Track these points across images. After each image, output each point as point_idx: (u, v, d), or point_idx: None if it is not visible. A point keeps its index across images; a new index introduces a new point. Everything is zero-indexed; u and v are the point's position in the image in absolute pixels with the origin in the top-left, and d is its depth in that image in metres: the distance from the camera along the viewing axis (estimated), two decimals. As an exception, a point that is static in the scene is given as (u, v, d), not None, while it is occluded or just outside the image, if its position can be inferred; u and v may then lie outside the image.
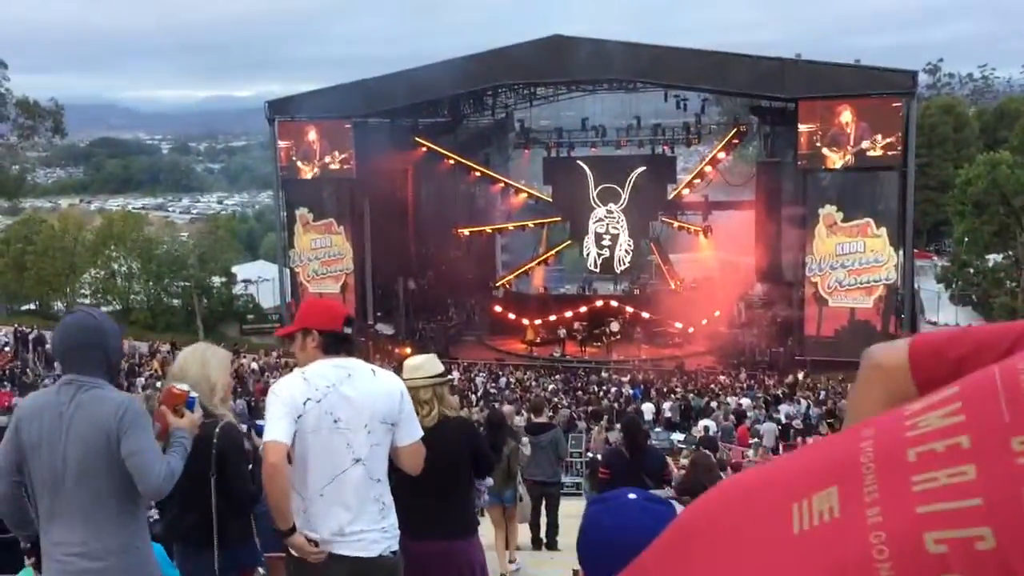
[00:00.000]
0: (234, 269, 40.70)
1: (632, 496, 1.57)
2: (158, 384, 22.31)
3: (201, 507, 3.58)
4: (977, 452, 0.75)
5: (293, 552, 3.19)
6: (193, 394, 3.23)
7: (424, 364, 4.14)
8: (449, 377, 4.17)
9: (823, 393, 25.46)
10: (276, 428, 3.13)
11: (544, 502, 9.33)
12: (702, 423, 19.52)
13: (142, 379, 23.53)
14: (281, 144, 35.30)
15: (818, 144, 29.84)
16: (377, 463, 3.28)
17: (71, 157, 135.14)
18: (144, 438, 2.92)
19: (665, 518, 1.54)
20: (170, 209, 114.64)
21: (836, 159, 29.74)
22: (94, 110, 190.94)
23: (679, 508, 4.81)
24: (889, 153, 29.30)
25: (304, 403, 3.16)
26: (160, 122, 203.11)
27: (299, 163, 35.11)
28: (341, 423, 3.19)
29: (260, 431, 3.56)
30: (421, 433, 3.44)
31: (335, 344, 3.37)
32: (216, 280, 38.82)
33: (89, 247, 40.41)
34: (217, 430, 3.58)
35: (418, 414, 3.63)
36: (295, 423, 3.15)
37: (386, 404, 3.29)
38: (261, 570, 3.86)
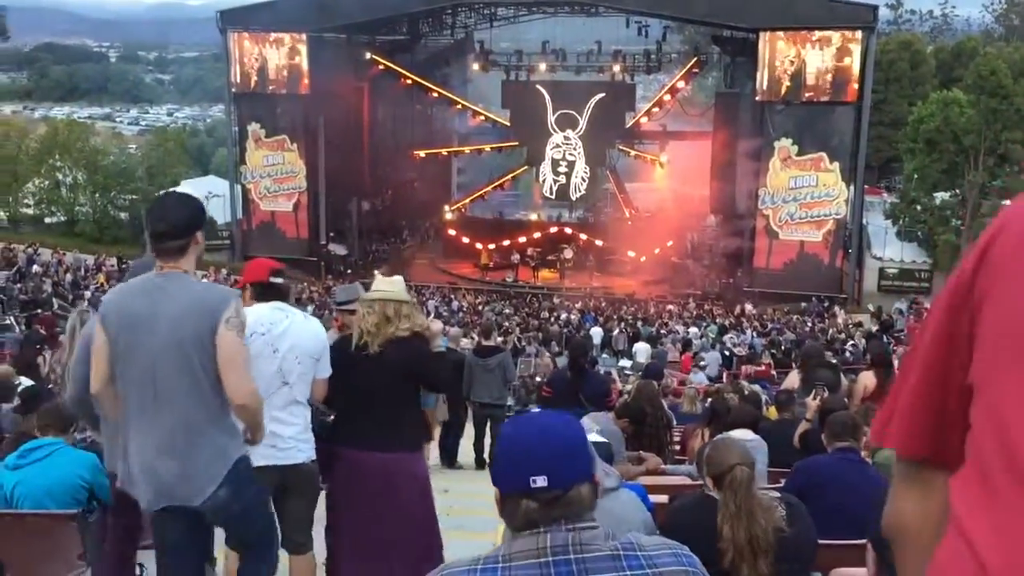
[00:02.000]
0: (184, 184, 39.88)
1: (535, 410, 1.64)
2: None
3: None
4: None
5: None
6: None
7: (395, 283, 4.35)
8: (413, 302, 4.39)
9: (768, 324, 25.94)
10: None
11: (489, 423, 9.49)
12: (637, 347, 19.94)
13: (88, 292, 23.15)
14: (234, 56, 34.37)
15: (777, 76, 29.83)
16: (302, 387, 3.93)
17: (14, 62, 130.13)
18: None
19: (564, 430, 1.61)
20: (118, 120, 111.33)
21: (794, 92, 29.79)
22: (38, 13, 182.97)
23: (608, 429, 4.88)
24: (846, 87, 29.43)
25: (250, 335, 3.61)
26: (108, 29, 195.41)
27: (252, 77, 34.26)
28: (278, 353, 3.87)
29: None
30: (330, 371, 4.02)
31: (263, 291, 4.04)
32: (165, 194, 38.11)
33: (33, 156, 39.28)
34: None
35: (381, 326, 4.06)
36: None
37: (314, 343, 3.97)
38: None
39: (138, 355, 3.03)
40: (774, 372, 17.14)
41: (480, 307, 29.23)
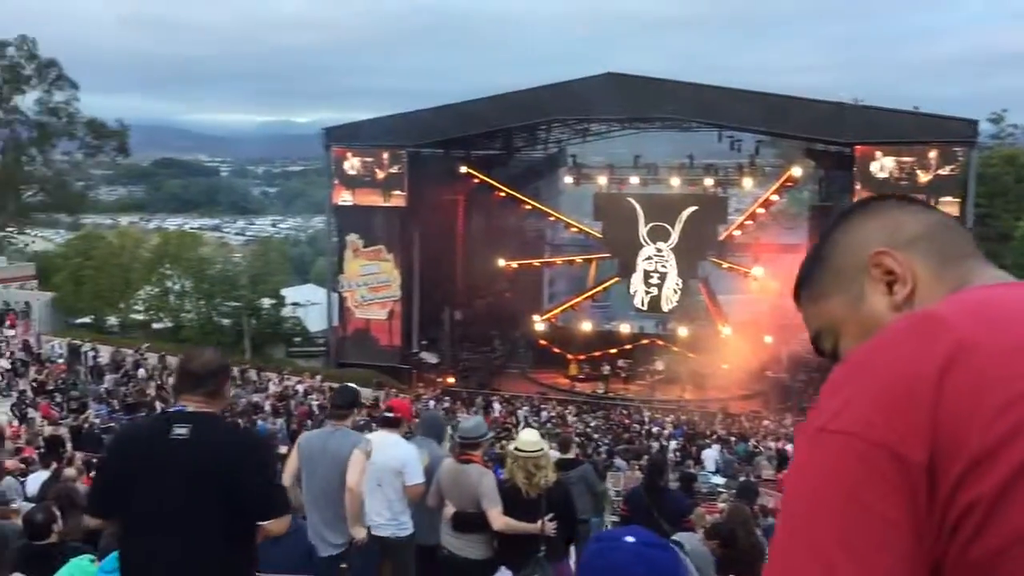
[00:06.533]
0: (284, 292, 41.15)
1: (630, 539, 1.53)
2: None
3: None
4: None
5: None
6: None
7: (537, 440, 5.77)
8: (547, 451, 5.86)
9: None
10: None
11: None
12: (705, 453, 19.64)
13: (188, 396, 23.77)
14: (336, 170, 35.78)
15: (875, 191, 29.42)
16: (387, 489, 5.77)
17: (133, 176, 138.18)
18: None
19: (661, 565, 1.50)
20: (225, 230, 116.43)
21: (892, 206, 29.24)
22: (157, 131, 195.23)
23: (698, 551, 4.70)
24: (948, 202, 28.78)
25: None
26: (221, 145, 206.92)
27: (352, 189, 35.50)
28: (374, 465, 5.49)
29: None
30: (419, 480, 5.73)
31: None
32: (266, 302, 39.25)
33: (145, 264, 41.19)
34: None
35: (532, 478, 5.47)
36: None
37: (393, 461, 5.71)
38: None
39: (318, 473, 5.19)
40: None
41: (569, 418, 28.92)
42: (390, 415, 6.06)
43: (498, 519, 5.40)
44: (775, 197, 34.81)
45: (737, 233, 35.92)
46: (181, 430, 3.10)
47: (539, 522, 5.31)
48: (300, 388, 28.48)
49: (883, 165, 29.46)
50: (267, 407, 23.39)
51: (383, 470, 5.55)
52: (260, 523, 3.20)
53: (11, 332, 32.02)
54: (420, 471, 5.73)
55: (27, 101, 43.33)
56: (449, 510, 5.61)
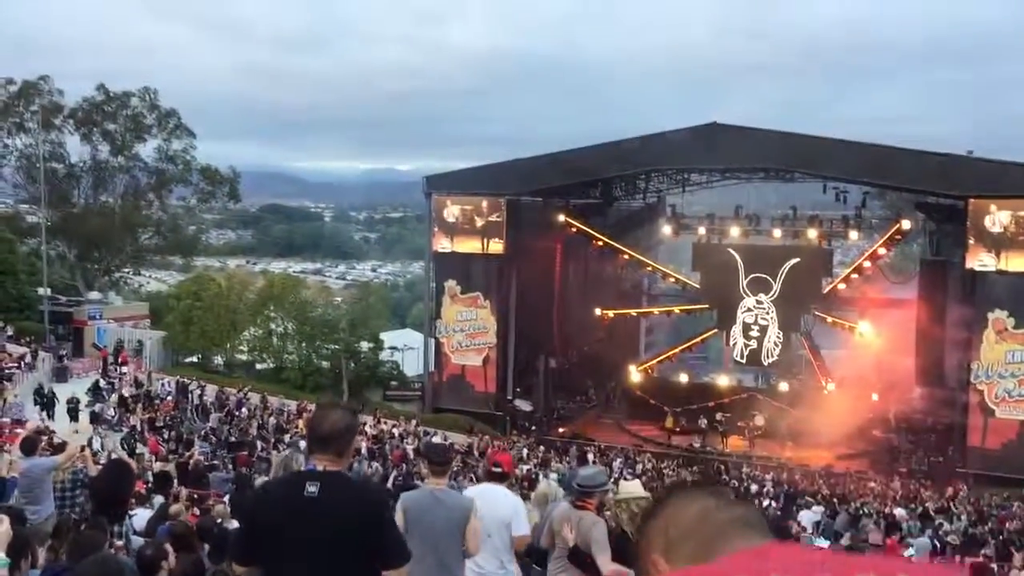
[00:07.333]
0: (382, 336, 41.80)
1: None
2: (301, 444, 22.97)
3: None
4: None
5: None
6: None
7: (637, 484, 6.26)
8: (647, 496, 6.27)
9: (986, 510, 23.55)
10: None
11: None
12: (803, 516, 18.93)
13: (287, 436, 24.25)
14: (435, 217, 36.35)
15: (990, 246, 28.29)
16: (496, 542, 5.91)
17: (242, 220, 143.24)
18: None
19: None
20: (327, 274, 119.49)
21: (1010, 262, 28.07)
22: (266, 177, 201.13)
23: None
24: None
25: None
26: (325, 191, 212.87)
27: (451, 237, 35.98)
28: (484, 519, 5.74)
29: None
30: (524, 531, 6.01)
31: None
32: (364, 345, 39.91)
33: (250, 306, 42.46)
34: None
35: (636, 518, 5.86)
36: None
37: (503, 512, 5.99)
38: None
39: (428, 533, 5.04)
40: (994, 565, 15.43)
41: (665, 471, 28.34)
42: (497, 470, 6.38)
43: (608, 566, 5.61)
44: (883, 250, 33.69)
45: (842, 287, 34.84)
46: (312, 488, 3.45)
47: None
48: (395, 432, 28.72)
49: (998, 219, 28.33)
50: (363, 450, 23.61)
51: (493, 522, 5.75)
52: (385, 571, 3.52)
53: (124, 369, 33.32)
54: (527, 522, 6.03)
55: (147, 149, 45.58)
56: (570, 537, 5.77)
